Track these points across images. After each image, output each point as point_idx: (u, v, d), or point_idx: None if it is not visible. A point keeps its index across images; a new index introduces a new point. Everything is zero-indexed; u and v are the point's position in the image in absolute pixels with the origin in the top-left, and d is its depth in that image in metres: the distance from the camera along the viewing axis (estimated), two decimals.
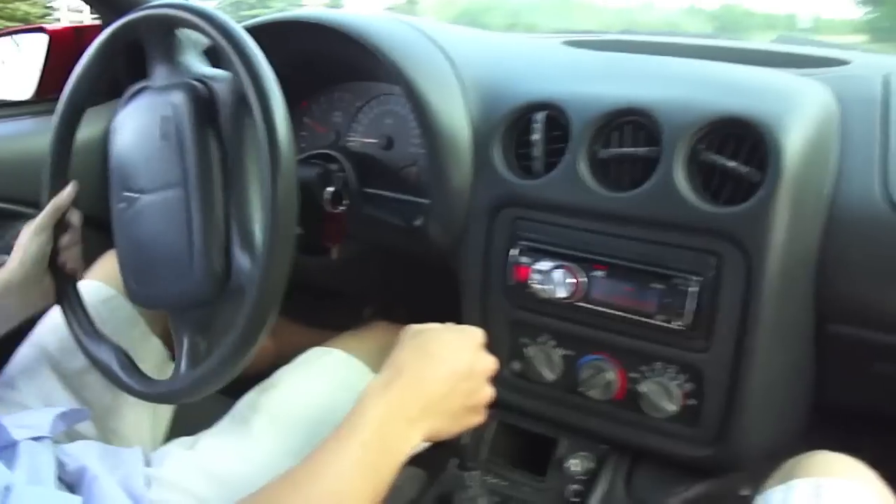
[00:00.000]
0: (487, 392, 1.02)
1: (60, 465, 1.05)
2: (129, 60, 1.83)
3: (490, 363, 1.03)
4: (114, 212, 1.15)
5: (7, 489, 0.80)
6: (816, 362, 1.21)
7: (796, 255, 1.08)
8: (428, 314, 1.63)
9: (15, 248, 1.20)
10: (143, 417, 1.33)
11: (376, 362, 1.31)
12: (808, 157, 1.07)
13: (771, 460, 1.09)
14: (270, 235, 0.94)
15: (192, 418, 1.28)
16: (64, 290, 1.21)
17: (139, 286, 1.16)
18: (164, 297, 1.13)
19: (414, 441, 0.93)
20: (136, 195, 1.11)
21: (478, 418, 1.03)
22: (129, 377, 1.13)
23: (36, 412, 1.14)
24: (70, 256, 1.22)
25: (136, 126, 1.14)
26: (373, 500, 0.88)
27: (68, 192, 1.20)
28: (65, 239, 1.21)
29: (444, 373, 0.97)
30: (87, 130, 1.34)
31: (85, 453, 1.08)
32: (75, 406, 1.23)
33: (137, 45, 1.20)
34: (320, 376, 1.30)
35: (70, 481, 1.05)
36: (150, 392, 1.11)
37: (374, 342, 1.39)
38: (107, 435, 1.26)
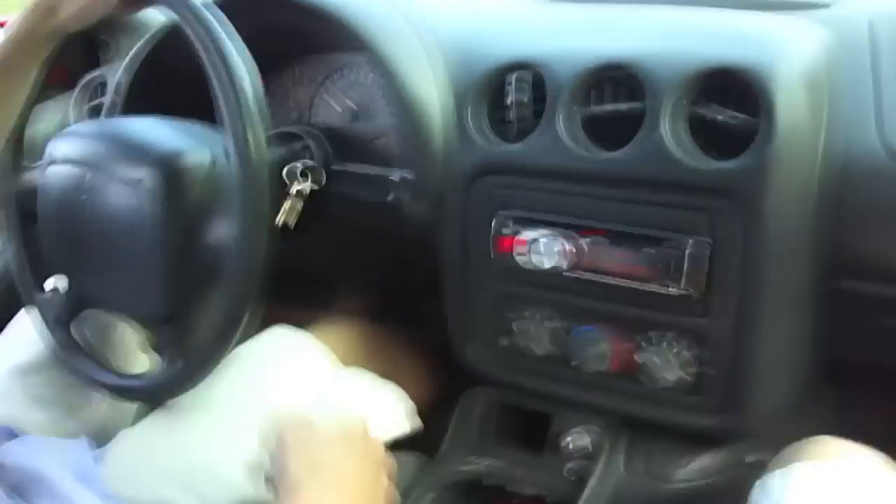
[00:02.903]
0: (385, 483, 0.93)
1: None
2: (81, 49, 1.80)
3: (381, 457, 0.94)
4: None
5: None
6: (821, 318, 1.17)
7: (795, 209, 1.04)
8: (405, 292, 1.60)
9: None
10: (116, 411, 1.30)
11: (340, 353, 1.31)
12: (802, 106, 1.04)
13: (778, 424, 1.10)
14: (243, 222, 0.93)
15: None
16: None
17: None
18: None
19: None
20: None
21: None
22: (84, 363, 1.13)
23: None
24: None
25: None
26: None
27: None
28: None
29: (340, 489, 0.88)
30: (43, 125, 1.30)
31: (28, 450, 1.08)
32: (30, 405, 1.22)
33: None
34: (283, 357, 1.27)
35: (13, 480, 1.03)
36: (134, 388, 1.10)
37: (341, 333, 1.37)
38: (74, 432, 1.23)
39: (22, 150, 1.18)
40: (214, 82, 0.93)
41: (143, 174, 1.00)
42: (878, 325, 1.15)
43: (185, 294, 1.03)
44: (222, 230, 0.99)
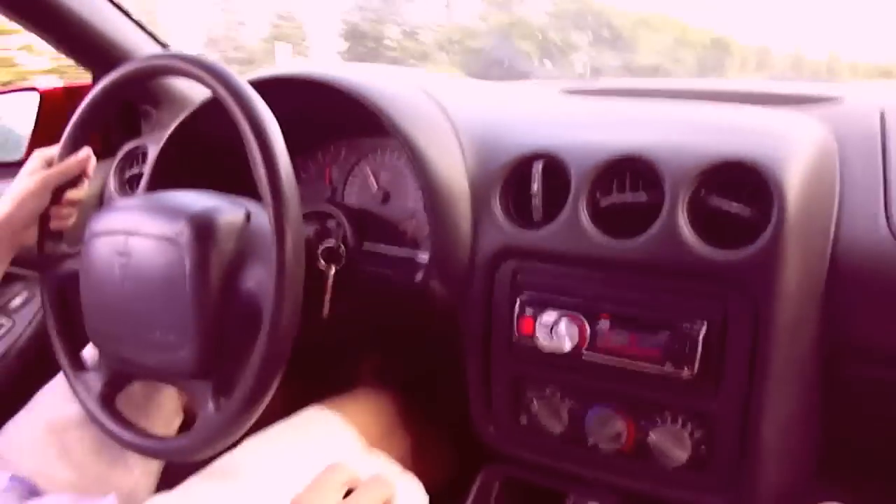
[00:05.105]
0: None
1: None
2: (121, 118, 1.84)
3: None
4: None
5: None
6: (827, 402, 1.19)
7: (803, 296, 1.07)
8: (427, 371, 1.61)
9: (7, 193, 1.21)
10: (145, 472, 1.30)
11: (368, 430, 1.32)
12: (811, 197, 1.07)
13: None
14: (277, 294, 0.93)
15: (182, 471, 1.24)
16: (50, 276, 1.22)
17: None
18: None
19: None
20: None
21: None
22: (131, 433, 1.11)
23: None
24: (61, 224, 1.25)
25: None
26: None
27: (83, 155, 1.22)
28: (63, 206, 1.24)
29: None
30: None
31: None
32: (60, 462, 1.21)
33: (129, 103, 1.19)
34: (314, 440, 1.28)
35: None
36: (159, 449, 1.10)
37: (368, 409, 1.39)
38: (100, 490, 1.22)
39: (60, 235, 1.25)
40: (256, 158, 0.96)
41: (178, 229, 1.01)
42: (884, 409, 1.16)
43: (221, 347, 1.03)
44: (257, 280, 1.00)
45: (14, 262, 1.41)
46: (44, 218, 1.22)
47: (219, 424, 1.01)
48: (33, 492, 1.14)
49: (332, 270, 1.28)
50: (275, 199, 0.94)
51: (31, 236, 1.23)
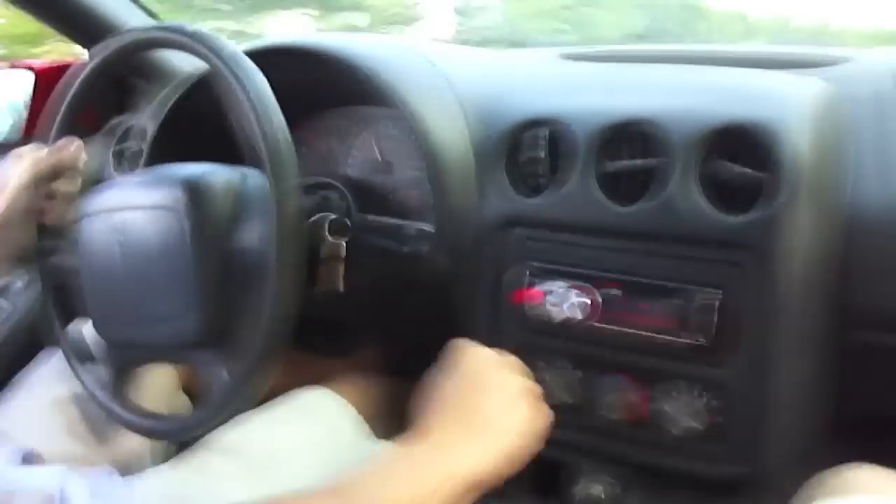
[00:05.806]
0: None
1: None
2: (109, 92, 1.80)
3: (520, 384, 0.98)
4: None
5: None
6: (837, 369, 1.17)
7: (818, 261, 1.05)
8: (431, 344, 1.60)
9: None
10: (145, 443, 1.29)
11: (367, 414, 1.33)
12: (822, 157, 1.05)
13: (798, 474, 1.08)
14: (277, 264, 0.93)
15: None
16: (46, 269, 1.18)
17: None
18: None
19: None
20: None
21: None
22: (149, 420, 1.10)
23: None
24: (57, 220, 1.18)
25: None
26: None
27: (74, 148, 1.15)
28: (57, 201, 1.16)
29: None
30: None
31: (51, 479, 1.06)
32: (66, 438, 1.22)
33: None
34: (313, 423, 1.28)
35: None
36: (179, 428, 1.09)
37: (367, 392, 1.40)
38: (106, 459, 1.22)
39: (57, 232, 1.19)
40: (251, 122, 0.95)
41: (173, 195, 1.00)
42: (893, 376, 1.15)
43: (227, 310, 1.01)
44: (257, 235, 0.99)
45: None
46: (39, 215, 1.17)
47: (233, 390, 1.00)
48: (28, 459, 1.13)
49: (343, 242, 1.25)
50: (272, 157, 0.94)
51: (28, 235, 1.17)
